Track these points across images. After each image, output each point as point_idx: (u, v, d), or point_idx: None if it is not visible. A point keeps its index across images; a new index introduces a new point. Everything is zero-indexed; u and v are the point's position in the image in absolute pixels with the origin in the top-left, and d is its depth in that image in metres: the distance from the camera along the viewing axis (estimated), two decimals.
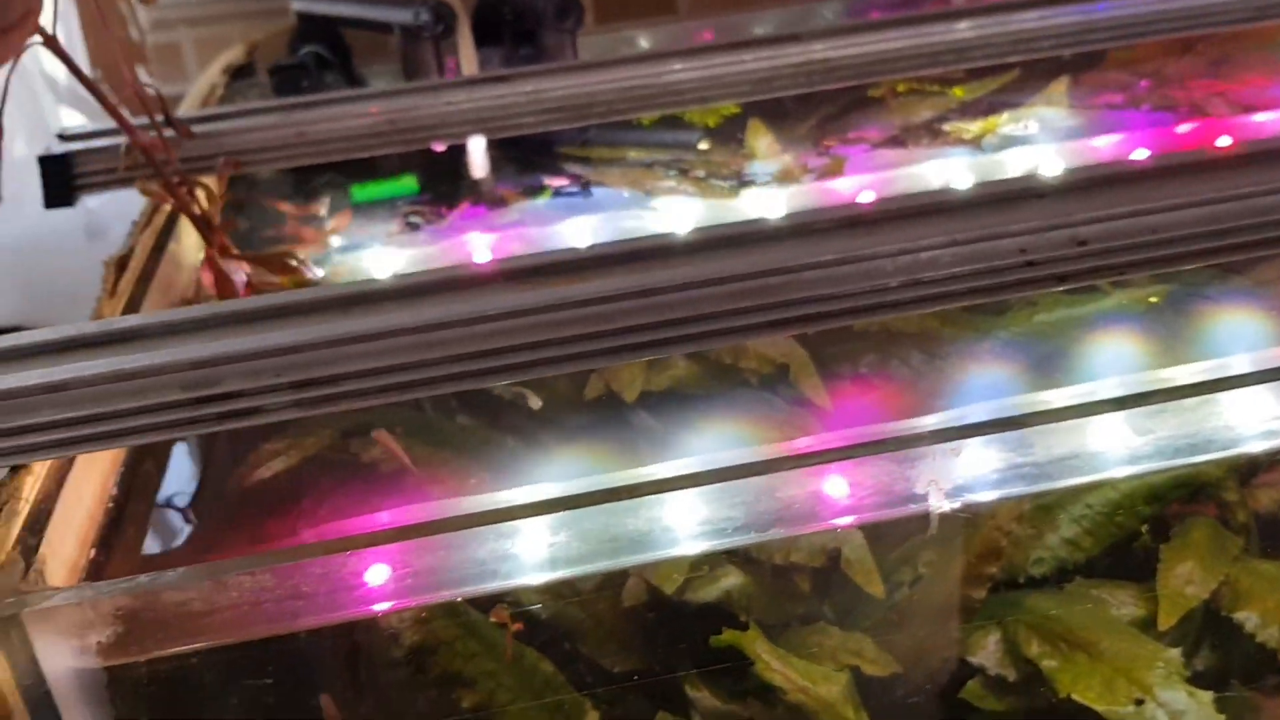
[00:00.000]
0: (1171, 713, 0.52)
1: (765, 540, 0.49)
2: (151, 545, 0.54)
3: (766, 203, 0.80)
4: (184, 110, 0.96)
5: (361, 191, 0.91)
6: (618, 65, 0.82)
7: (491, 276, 0.51)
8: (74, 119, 1.23)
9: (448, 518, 0.43)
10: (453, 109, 0.80)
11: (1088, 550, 0.57)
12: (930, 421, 0.47)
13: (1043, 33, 0.85)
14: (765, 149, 0.87)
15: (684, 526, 0.46)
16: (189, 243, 0.72)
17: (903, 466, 0.44)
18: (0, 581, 0.42)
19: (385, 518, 0.55)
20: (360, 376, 0.47)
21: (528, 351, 0.48)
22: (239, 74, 1.13)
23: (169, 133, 0.70)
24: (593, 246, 0.52)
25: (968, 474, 0.46)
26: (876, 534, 0.55)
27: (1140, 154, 0.81)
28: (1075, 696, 0.53)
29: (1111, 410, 0.46)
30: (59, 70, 1.24)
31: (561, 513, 0.44)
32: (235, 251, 0.71)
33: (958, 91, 0.93)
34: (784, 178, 0.83)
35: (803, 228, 0.50)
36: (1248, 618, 0.55)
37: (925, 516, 0.49)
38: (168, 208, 0.71)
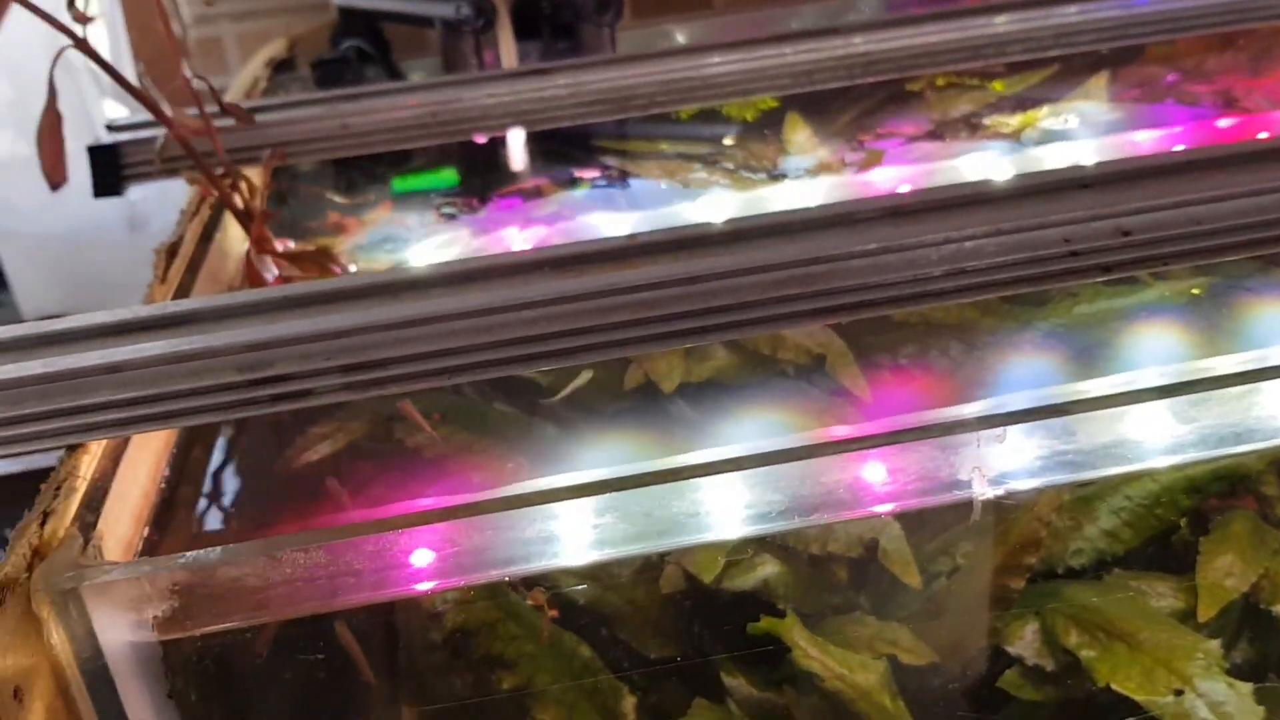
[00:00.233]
0: (1210, 703, 0.52)
1: (809, 525, 0.49)
2: (202, 525, 0.55)
3: (804, 196, 0.81)
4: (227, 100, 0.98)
5: (402, 183, 0.92)
6: (657, 58, 0.83)
7: (537, 263, 0.51)
8: (119, 111, 1.25)
9: (495, 498, 0.44)
10: (493, 101, 0.81)
11: (1127, 542, 0.57)
12: (972, 410, 0.48)
13: (1083, 27, 0.85)
14: (803, 142, 0.88)
15: (727, 510, 0.46)
16: (235, 232, 0.73)
17: (946, 453, 0.45)
18: (60, 556, 0.43)
19: (428, 501, 0.56)
20: (408, 360, 0.48)
21: (572, 337, 0.49)
22: (281, 68, 1.14)
23: (225, 121, 0.71)
24: (636, 234, 0.52)
25: (1010, 461, 0.46)
26: (914, 524, 0.55)
27: (1180, 148, 0.80)
28: (1114, 686, 0.53)
29: (1154, 399, 0.46)
30: None
31: (606, 495, 0.45)
32: (274, 244, 0.72)
33: (997, 86, 0.92)
34: (822, 171, 0.83)
35: (846, 217, 0.50)
36: None
37: (965, 505, 0.49)
38: (213, 198, 0.72)
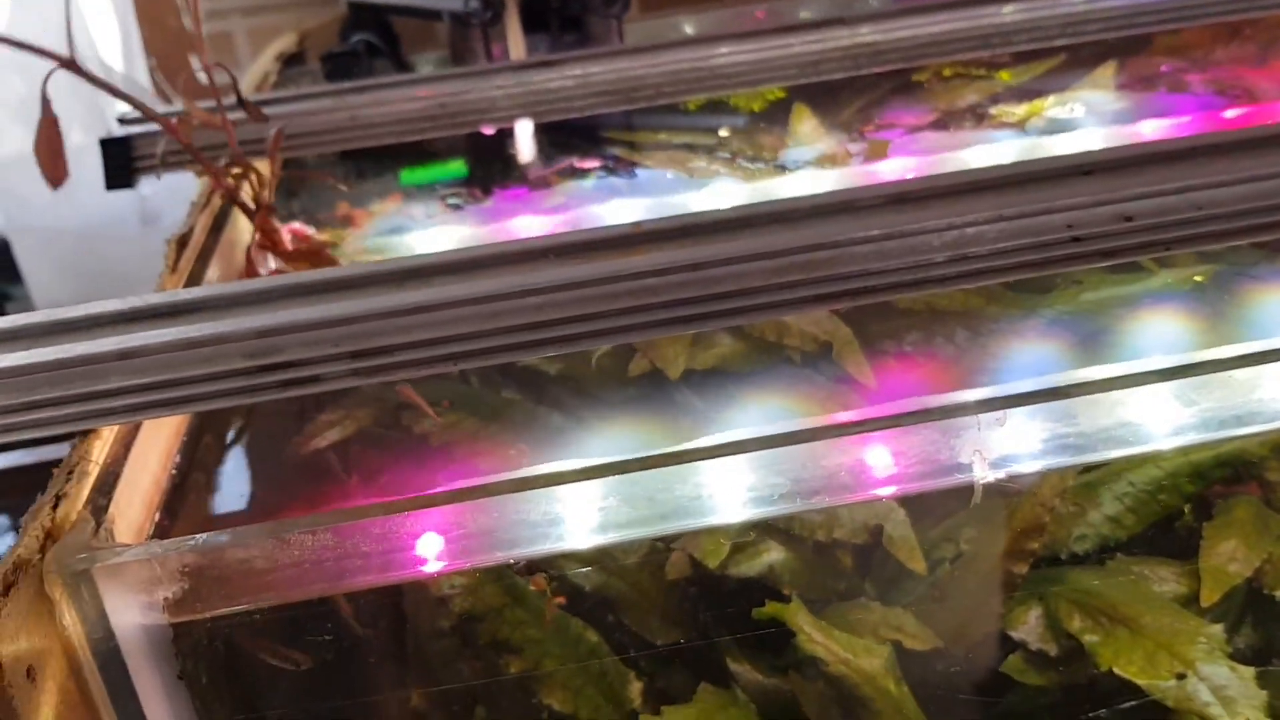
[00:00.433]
0: (1213, 687, 0.52)
1: (811, 508, 0.50)
2: (212, 510, 0.55)
3: (810, 186, 0.81)
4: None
5: (410, 175, 0.92)
6: (664, 49, 0.83)
7: (542, 250, 0.52)
8: (128, 107, 1.26)
9: (501, 481, 0.45)
10: (501, 93, 0.81)
11: (1130, 528, 0.57)
12: (974, 394, 0.48)
13: (1090, 16, 0.85)
14: (810, 133, 0.88)
15: (730, 494, 0.47)
16: (245, 223, 0.74)
17: (947, 436, 0.45)
18: (72, 539, 0.44)
19: (436, 487, 0.56)
20: (415, 347, 0.49)
21: (578, 324, 0.49)
22: (290, 62, 1.15)
23: (235, 114, 0.72)
24: (641, 221, 0.52)
25: (1012, 445, 0.46)
26: (919, 510, 0.55)
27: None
28: (1117, 671, 0.53)
29: (1157, 381, 0.47)
30: (115, 60, 1.27)
31: (611, 478, 0.45)
32: (281, 237, 0.73)
33: (1004, 76, 0.93)
34: (828, 161, 0.83)
35: (849, 203, 0.51)
36: None
37: (968, 489, 0.50)
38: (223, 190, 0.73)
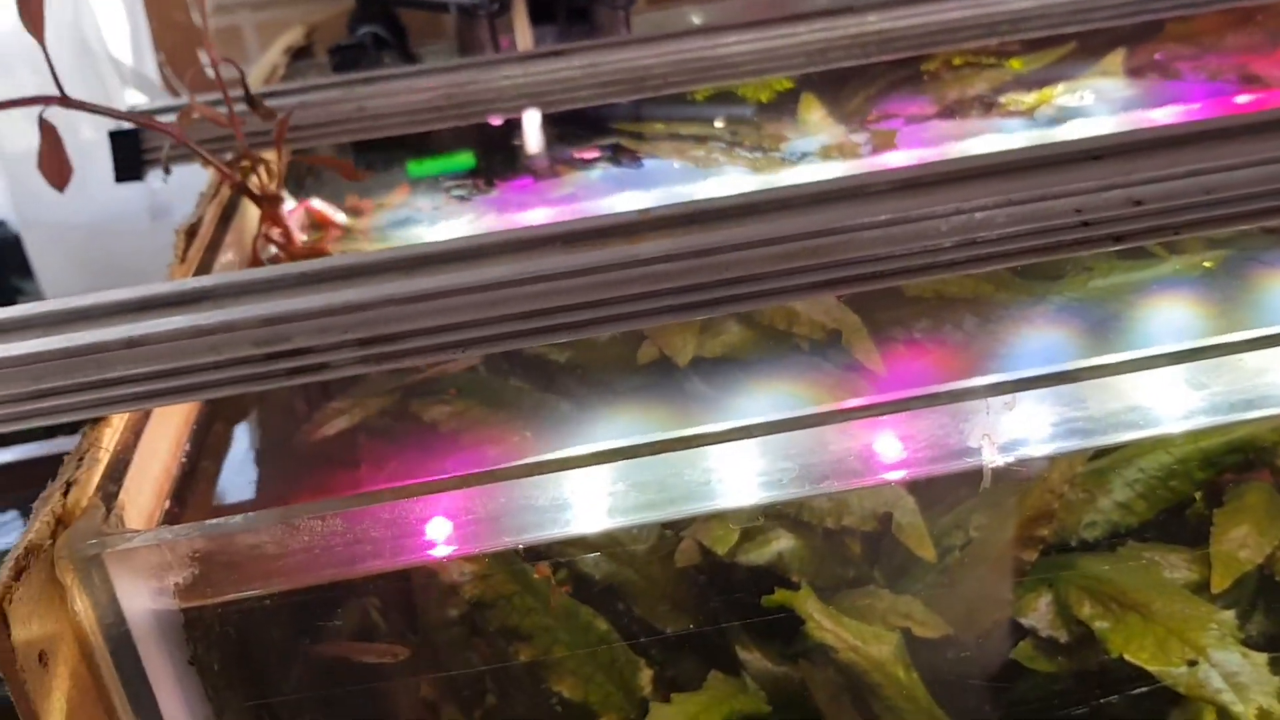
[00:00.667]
0: (1225, 673, 0.52)
1: (821, 492, 0.50)
2: (221, 497, 0.56)
3: (818, 175, 0.80)
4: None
5: (418, 167, 0.92)
6: (672, 39, 0.83)
7: (549, 238, 0.52)
8: (138, 99, 1.26)
9: (510, 467, 0.45)
10: (509, 83, 0.81)
11: (1140, 514, 0.57)
12: (983, 380, 0.48)
13: (1100, 3, 0.84)
14: (818, 122, 0.88)
15: (740, 478, 0.47)
16: (254, 214, 0.74)
17: (956, 420, 0.45)
18: (84, 524, 0.44)
19: (444, 473, 0.56)
20: (423, 334, 0.49)
21: (585, 310, 0.49)
22: (299, 55, 1.15)
23: (240, 109, 0.72)
24: (648, 209, 0.52)
25: (1021, 429, 0.46)
26: (928, 498, 0.55)
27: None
28: (1128, 657, 0.53)
29: (1167, 365, 0.47)
30: (125, 54, 1.28)
31: (620, 463, 0.45)
32: (289, 228, 0.73)
33: (1014, 64, 0.92)
34: (837, 150, 0.83)
35: (857, 189, 0.51)
36: None
37: (977, 477, 0.50)
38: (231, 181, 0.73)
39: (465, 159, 0.93)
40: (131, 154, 0.80)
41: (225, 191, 0.74)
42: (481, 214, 0.83)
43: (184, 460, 0.54)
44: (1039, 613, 0.56)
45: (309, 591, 0.46)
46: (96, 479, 0.46)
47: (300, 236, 0.73)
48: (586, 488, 0.46)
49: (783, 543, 0.56)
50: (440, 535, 0.45)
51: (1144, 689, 0.54)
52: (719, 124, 0.91)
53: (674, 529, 0.55)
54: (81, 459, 0.47)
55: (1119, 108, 0.85)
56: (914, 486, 0.54)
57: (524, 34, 0.98)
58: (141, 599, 0.44)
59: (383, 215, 0.84)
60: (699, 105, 0.93)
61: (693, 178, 0.83)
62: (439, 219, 0.83)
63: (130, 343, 0.48)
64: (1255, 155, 0.50)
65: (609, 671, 0.56)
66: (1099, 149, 0.52)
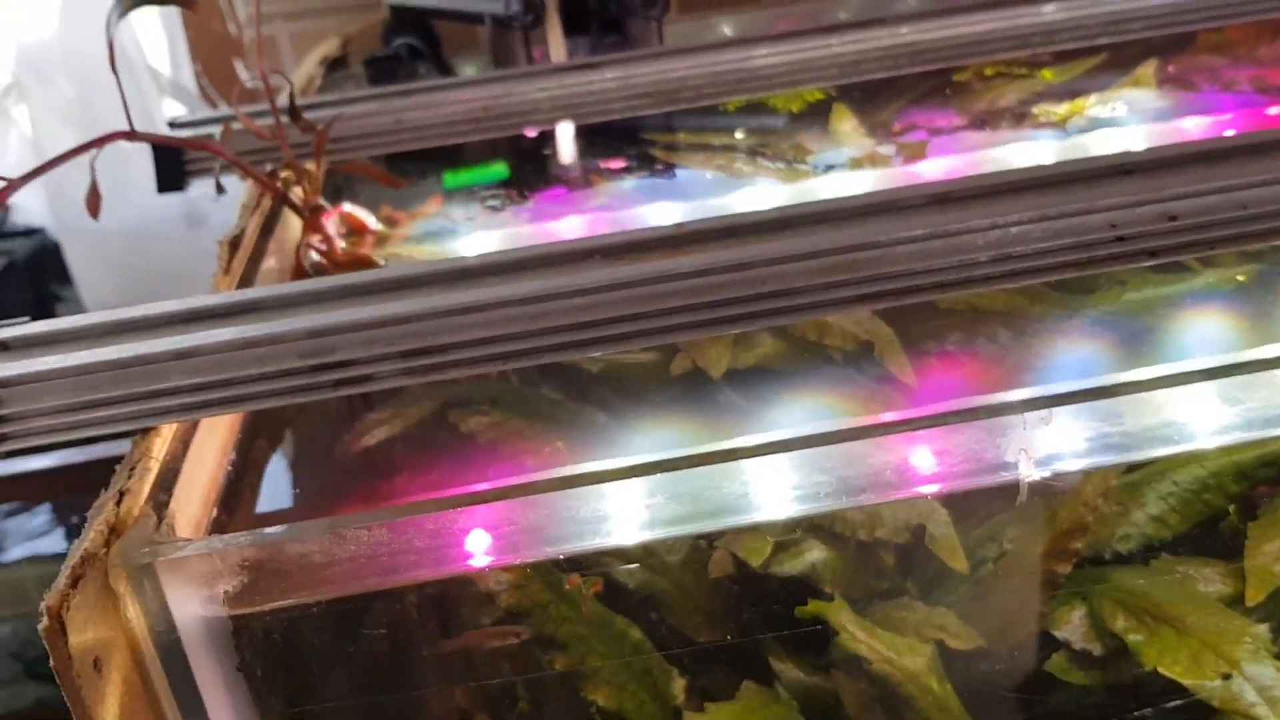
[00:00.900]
0: (1259, 687, 0.52)
1: (856, 505, 0.50)
2: (265, 506, 0.57)
3: (850, 186, 0.81)
4: (284, 101, 1.00)
5: (453, 178, 0.93)
6: (705, 51, 0.84)
7: (589, 251, 0.52)
8: (177, 109, 1.28)
9: (552, 478, 0.45)
10: (544, 95, 0.82)
11: (1174, 528, 0.57)
12: (1019, 393, 0.48)
13: (1132, 15, 0.85)
14: (850, 133, 0.88)
15: (775, 492, 0.47)
16: (294, 223, 0.75)
17: (992, 435, 0.45)
18: (135, 533, 0.45)
19: (484, 483, 0.57)
20: (466, 346, 0.50)
21: (625, 323, 0.50)
22: (334, 66, 1.16)
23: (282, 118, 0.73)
24: (686, 222, 0.53)
25: (1057, 443, 0.46)
26: (961, 510, 0.55)
27: (1230, 134, 0.80)
28: (1162, 670, 0.53)
29: (1201, 380, 0.47)
30: (163, 64, 1.30)
31: (659, 475, 0.46)
32: (330, 236, 0.74)
33: (1045, 75, 0.92)
34: (869, 161, 0.84)
35: (892, 203, 0.51)
36: None
37: (1011, 490, 0.50)
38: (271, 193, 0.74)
39: (499, 169, 0.94)
40: (173, 166, 0.81)
41: (266, 203, 0.75)
42: (516, 224, 0.84)
43: (229, 469, 0.55)
44: (1072, 625, 0.56)
45: (354, 600, 0.47)
46: (148, 488, 0.47)
47: (340, 244, 0.74)
48: (626, 499, 0.46)
49: (816, 554, 0.57)
50: (482, 546, 0.46)
51: (1177, 702, 0.54)
52: (750, 135, 0.91)
53: (707, 540, 0.55)
54: (133, 468, 0.48)
55: (1151, 119, 0.85)
56: (947, 499, 0.55)
57: (558, 45, 0.99)
58: (192, 606, 0.45)
59: (417, 225, 0.86)
60: (730, 116, 0.94)
61: (725, 189, 0.84)
62: (474, 229, 0.84)
63: (180, 354, 0.49)
64: None
65: (642, 680, 0.57)
66: (1133, 164, 0.52)
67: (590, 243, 0.53)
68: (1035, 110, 0.88)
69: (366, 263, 0.75)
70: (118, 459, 0.50)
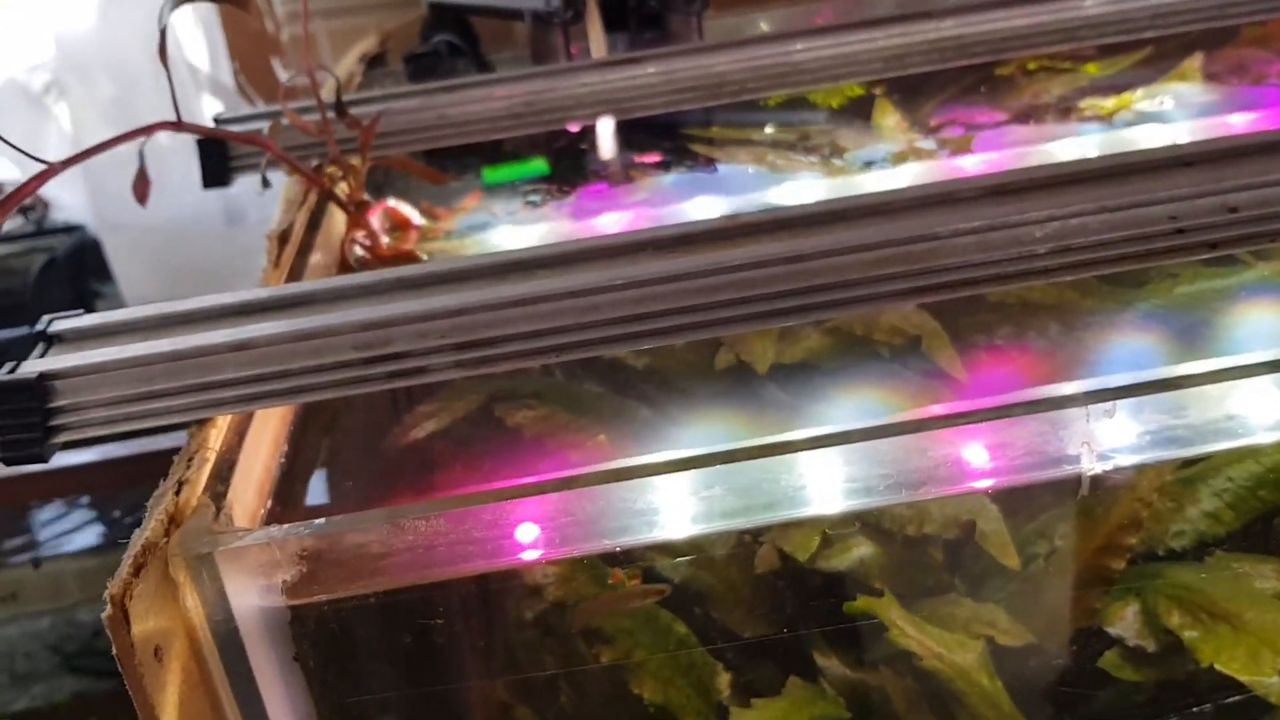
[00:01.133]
0: None
1: (913, 500, 0.50)
2: (319, 497, 0.57)
3: (894, 181, 0.80)
4: (327, 97, 1.00)
5: (493, 174, 0.93)
6: (747, 45, 0.83)
7: (640, 244, 0.52)
8: (215, 107, 1.29)
9: (607, 470, 0.45)
10: (586, 90, 0.82)
11: (1228, 524, 0.56)
12: (1079, 386, 0.48)
13: (1178, 8, 0.84)
14: (893, 127, 0.88)
15: (829, 485, 0.47)
16: (338, 217, 0.76)
17: (1055, 428, 0.45)
18: (194, 523, 0.45)
19: (534, 476, 0.57)
20: (517, 339, 0.50)
21: (676, 316, 0.50)
22: (373, 63, 1.17)
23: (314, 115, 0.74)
24: (737, 215, 0.53)
25: (1119, 436, 0.46)
26: (1012, 505, 0.55)
27: None
28: (1218, 667, 0.53)
29: (1260, 374, 0.46)
30: (202, 60, 1.31)
31: (715, 467, 0.46)
32: (374, 231, 0.74)
33: (1090, 68, 0.92)
34: (912, 155, 0.83)
35: (948, 195, 0.51)
36: None
37: (1063, 485, 0.50)
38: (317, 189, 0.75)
39: (539, 165, 0.94)
40: (219, 162, 0.82)
41: (312, 198, 0.75)
42: (557, 219, 0.84)
43: (283, 460, 0.56)
44: (1126, 621, 0.56)
45: (411, 590, 0.47)
46: (205, 479, 0.48)
47: (384, 239, 0.75)
48: (680, 492, 0.46)
49: (863, 549, 0.57)
50: (537, 537, 0.46)
51: (1233, 699, 0.54)
52: (791, 130, 0.91)
53: (753, 535, 0.55)
54: (191, 459, 0.48)
55: (1198, 113, 0.84)
56: (1000, 494, 0.54)
57: (598, 40, 0.99)
58: (250, 596, 0.45)
59: (458, 220, 0.86)
60: (770, 111, 0.93)
61: (767, 184, 0.83)
62: (516, 224, 0.84)
63: (236, 346, 0.49)
64: None
65: (688, 675, 0.57)
66: (1192, 155, 0.51)
67: (642, 235, 0.53)
68: (1081, 104, 0.87)
69: (410, 258, 0.75)
70: (155, 455, 0.50)
